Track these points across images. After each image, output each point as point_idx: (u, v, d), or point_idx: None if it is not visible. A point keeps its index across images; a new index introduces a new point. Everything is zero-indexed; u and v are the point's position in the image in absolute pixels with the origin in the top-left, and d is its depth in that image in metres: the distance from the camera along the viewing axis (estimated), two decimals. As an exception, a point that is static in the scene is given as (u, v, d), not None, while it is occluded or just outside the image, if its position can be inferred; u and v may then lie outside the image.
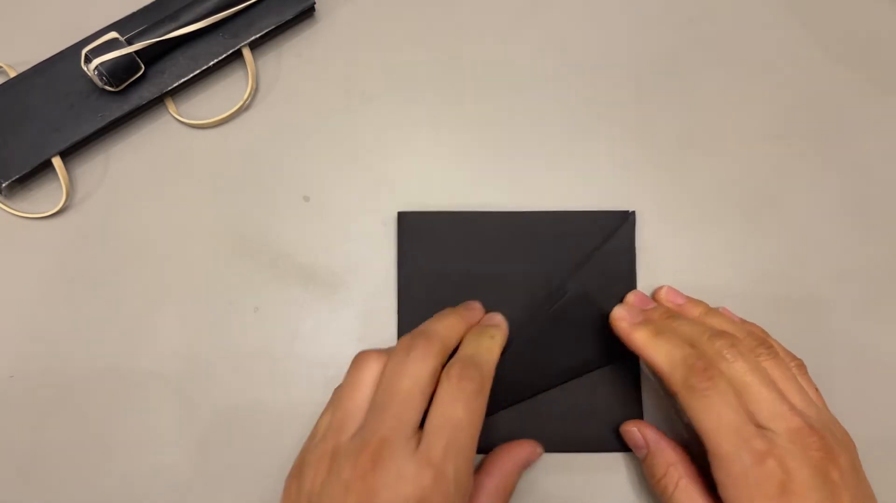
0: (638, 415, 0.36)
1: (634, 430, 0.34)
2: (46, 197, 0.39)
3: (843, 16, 0.43)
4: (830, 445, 0.29)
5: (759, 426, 0.29)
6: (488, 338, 0.32)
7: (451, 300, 0.35)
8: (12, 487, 0.35)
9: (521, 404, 0.36)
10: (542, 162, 0.40)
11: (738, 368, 0.30)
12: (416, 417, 0.28)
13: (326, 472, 0.28)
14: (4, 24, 0.42)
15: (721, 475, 0.29)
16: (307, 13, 0.42)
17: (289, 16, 0.41)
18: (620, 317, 0.34)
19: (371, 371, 0.30)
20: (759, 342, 0.32)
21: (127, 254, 0.38)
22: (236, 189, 0.39)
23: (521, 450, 0.33)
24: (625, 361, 0.36)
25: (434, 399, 0.29)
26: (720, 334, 0.32)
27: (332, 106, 0.41)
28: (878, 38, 0.43)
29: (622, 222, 0.38)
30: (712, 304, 0.38)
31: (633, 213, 0.38)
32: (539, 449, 0.34)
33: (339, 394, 0.31)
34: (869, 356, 0.37)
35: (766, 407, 0.30)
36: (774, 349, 0.33)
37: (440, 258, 0.38)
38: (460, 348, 0.32)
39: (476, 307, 0.35)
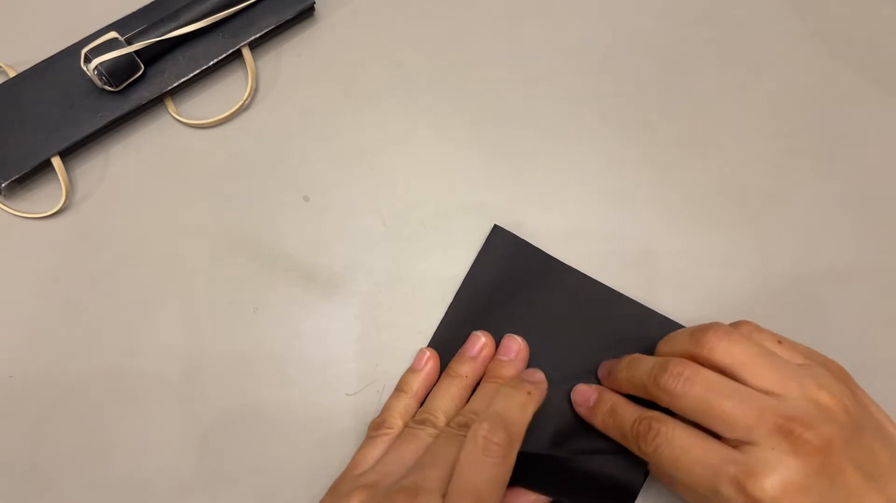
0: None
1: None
2: (46, 197, 0.39)
3: (844, 15, 0.43)
4: (816, 426, 0.27)
5: (738, 441, 0.28)
6: (524, 395, 0.30)
7: (493, 328, 0.36)
8: (12, 487, 0.35)
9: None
10: (541, 161, 0.40)
11: (694, 395, 0.28)
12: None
13: (362, 500, 0.28)
14: (4, 24, 0.42)
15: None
16: (307, 13, 0.42)
17: (289, 16, 0.41)
18: (576, 402, 0.34)
19: (424, 440, 0.31)
20: (721, 333, 0.30)
21: (127, 254, 0.38)
22: (236, 189, 0.39)
23: (527, 499, 0.32)
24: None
25: (459, 458, 0.28)
26: (663, 368, 0.29)
27: (332, 106, 0.41)
28: (878, 38, 0.43)
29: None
30: (712, 304, 0.38)
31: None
32: (542, 498, 0.32)
33: (399, 447, 0.31)
34: (869, 356, 0.37)
35: (734, 420, 0.27)
36: (725, 335, 0.30)
37: (508, 286, 0.37)
38: (493, 402, 0.30)
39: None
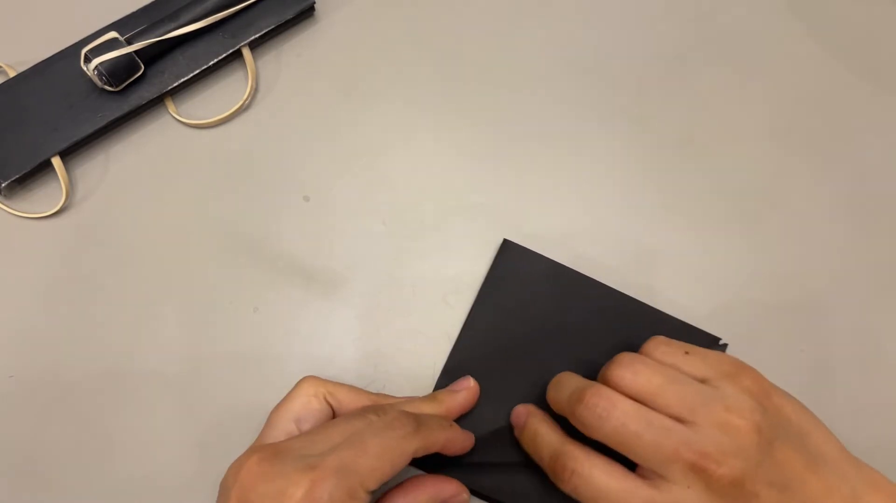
0: None
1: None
2: (46, 197, 0.39)
3: (844, 15, 0.43)
4: (727, 461, 0.27)
5: (654, 474, 0.28)
6: (447, 425, 0.31)
7: (509, 343, 0.36)
8: (12, 487, 0.35)
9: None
10: (541, 161, 0.40)
11: (609, 429, 0.28)
12: None
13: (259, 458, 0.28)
14: (4, 24, 0.42)
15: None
16: (307, 13, 0.42)
17: (289, 16, 0.41)
18: (512, 423, 0.34)
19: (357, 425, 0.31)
20: (624, 365, 0.30)
21: (127, 254, 0.38)
22: (236, 189, 0.39)
23: (444, 485, 0.31)
24: None
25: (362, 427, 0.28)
26: (579, 399, 0.29)
27: (332, 106, 0.41)
28: (878, 38, 0.43)
29: (710, 344, 0.36)
30: (712, 304, 0.38)
31: (726, 344, 0.36)
32: (465, 494, 0.31)
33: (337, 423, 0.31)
34: (869, 356, 0.37)
35: (650, 454, 0.28)
36: (629, 367, 0.30)
37: (522, 298, 0.37)
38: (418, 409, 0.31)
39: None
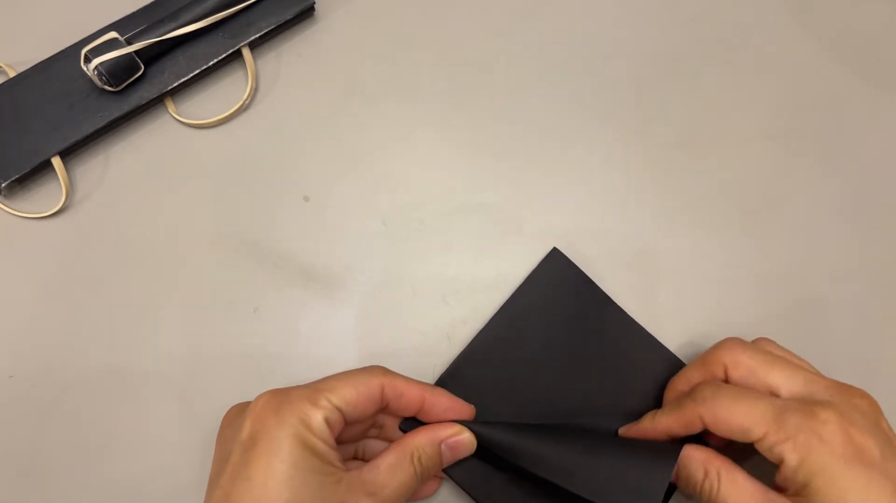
0: None
1: None
2: (46, 197, 0.39)
3: (843, 15, 0.43)
4: (872, 399, 0.30)
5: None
6: (424, 384, 0.32)
7: (524, 352, 0.35)
8: (12, 487, 0.35)
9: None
10: (541, 161, 0.40)
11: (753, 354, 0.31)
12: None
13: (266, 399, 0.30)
14: (4, 24, 0.42)
15: (783, 447, 0.28)
16: (307, 13, 0.42)
17: (288, 16, 0.41)
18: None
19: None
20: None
21: (127, 254, 0.38)
22: (236, 189, 0.39)
23: (441, 427, 0.31)
24: None
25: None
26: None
27: (332, 106, 0.41)
28: (877, 38, 0.43)
29: None
30: (711, 304, 0.38)
31: None
32: (465, 434, 0.31)
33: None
34: (869, 356, 0.37)
35: (793, 381, 0.30)
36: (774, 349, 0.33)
37: (551, 309, 0.36)
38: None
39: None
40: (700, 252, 0.39)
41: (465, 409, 0.32)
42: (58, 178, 0.38)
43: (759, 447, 0.29)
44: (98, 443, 0.35)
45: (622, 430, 0.34)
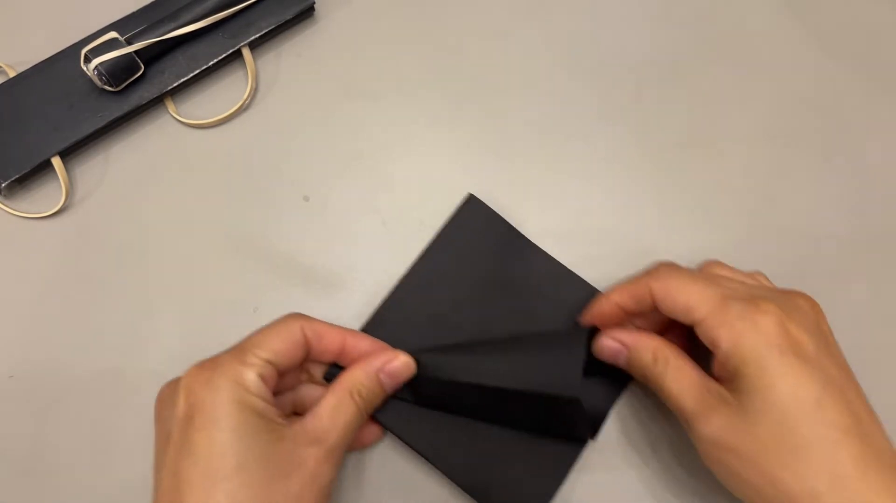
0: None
1: (608, 341, 0.32)
2: (46, 197, 0.39)
3: (843, 15, 0.43)
4: (815, 302, 0.31)
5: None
6: (345, 328, 0.32)
7: (450, 292, 0.36)
8: (12, 487, 0.35)
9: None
10: (541, 161, 0.40)
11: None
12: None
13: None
14: (4, 24, 0.42)
15: (720, 331, 0.29)
16: (307, 13, 0.42)
17: (288, 16, 0.41)
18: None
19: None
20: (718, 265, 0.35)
21: (127, 254, 0.38)
22: (236, 189, 0.39)
23: (373, 359, 0.31)
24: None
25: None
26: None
27: (332, 106, 0.41)
28: (878, 38, 0.43)
29: None
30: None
31: None
32: (398, 361, 0.31)
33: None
34: (869, 356, 0.37)
35: (737, 284, 0.31)
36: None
37: (472, 256, 0.37)
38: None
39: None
40: (700, 252, 0.39)
41: (387, 350, 0.32)
42: (58, 178, 0.38)
43: (698, 331, 0.30)
44: (98, 443, 0.35)
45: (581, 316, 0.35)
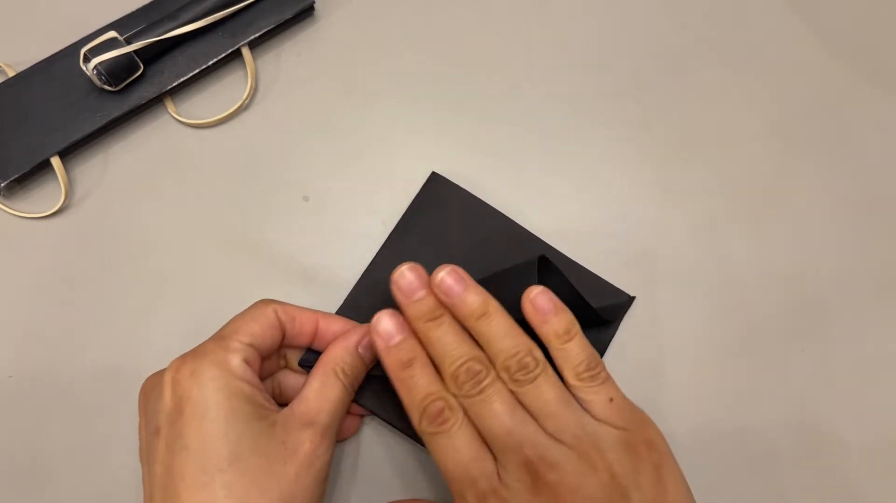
0: None
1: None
2: (45, 197, 0.39)
3: (844, 15, 0.43)
4: (562, 468, 0.27)
5: (500, 453, 0.28)
6: (318, 311, 0.32)
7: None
8: (12, 487, 0.35)
9: None
10: (541, 161, 0.40)
11: (483, 400, 0.28)
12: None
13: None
14: (4, 24, 0.42)
15: None
16: (307, 13, 0.42)
17: (288, 15, 0.41)
18: (377, 333, 0.30)
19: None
20: (519, 367, 0.28)
21: (126, 254, 0.38)
22: (236, 189, 0.39)
23: (352, 335, 0.31)
24: None
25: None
26: (469, 367, 0.28)
27: (332, 105, 0.41)
28: (878, 38, 0.43)
29: (622, 302, 0.37)
30: (711, 304, 0.38)
31: (634, 298, 0.37)
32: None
33: None
34: (869, 356, 0.37)
35: (500, 443, 0.27)
36: (535, 372, 0.28)
37: (441, 232, 0.37)
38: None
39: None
40: (700, 252, 0.39)
41: (361, 326, 0.32)
42: (57, 178, 0.38)
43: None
44: (98, 442, 0.35)
45: None
